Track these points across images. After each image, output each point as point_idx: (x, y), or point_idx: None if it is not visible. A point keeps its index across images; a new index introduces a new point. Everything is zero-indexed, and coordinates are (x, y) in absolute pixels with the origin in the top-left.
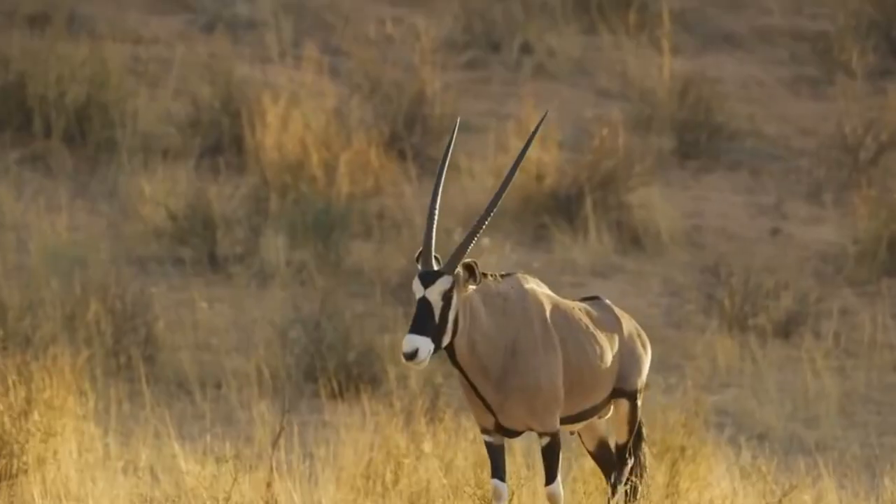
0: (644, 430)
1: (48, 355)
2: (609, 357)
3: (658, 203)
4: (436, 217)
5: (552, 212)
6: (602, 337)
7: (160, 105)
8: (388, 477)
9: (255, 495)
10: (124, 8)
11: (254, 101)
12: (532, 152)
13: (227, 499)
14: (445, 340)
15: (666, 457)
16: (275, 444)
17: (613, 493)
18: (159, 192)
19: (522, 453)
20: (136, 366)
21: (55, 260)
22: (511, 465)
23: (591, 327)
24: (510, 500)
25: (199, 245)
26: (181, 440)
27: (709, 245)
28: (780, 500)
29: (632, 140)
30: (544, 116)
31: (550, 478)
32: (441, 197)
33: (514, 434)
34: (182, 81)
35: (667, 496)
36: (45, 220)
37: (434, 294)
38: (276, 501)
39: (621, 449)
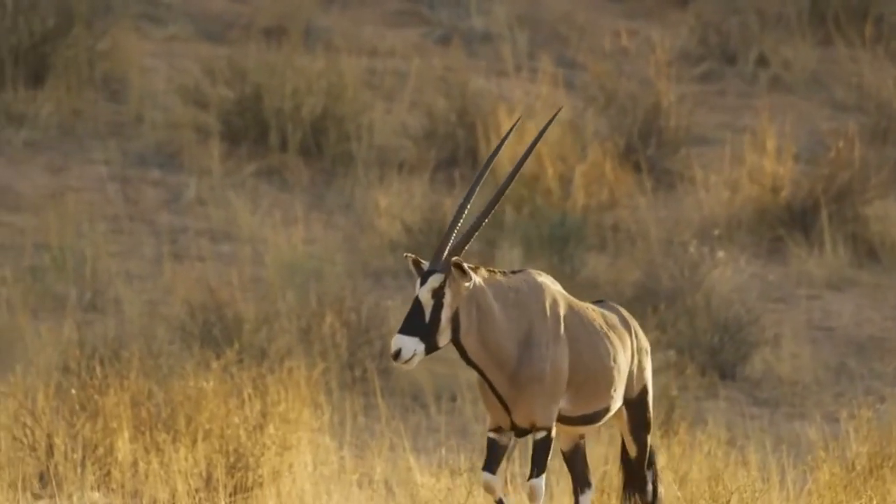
0: (656, 457)
1: (284, 368)
2: (622, 359)
3: (894, 215)
4: (461, 219)
5: (788, 224)
6: (615, 338)
7: (396, 118)
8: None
9: None
10: (360, 21)
11: (489, 113)
12: (768, 164)
13: None
14: (442, 340)
15: None
16: (508, 456)
17: None
18: (395, 204)
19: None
20: (371, 378)
21: (291, 273)
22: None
23: (605, 328)
24: None
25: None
26: (416, 453)
27: None
28: None
29: (868, 152)
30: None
31: (537, 472)
32: (676, 209)
33: (524, 433)
34: (417, 94)
35: None
36: (281, 234)
37: (425, 293)
38: None
39: (638, 464)
